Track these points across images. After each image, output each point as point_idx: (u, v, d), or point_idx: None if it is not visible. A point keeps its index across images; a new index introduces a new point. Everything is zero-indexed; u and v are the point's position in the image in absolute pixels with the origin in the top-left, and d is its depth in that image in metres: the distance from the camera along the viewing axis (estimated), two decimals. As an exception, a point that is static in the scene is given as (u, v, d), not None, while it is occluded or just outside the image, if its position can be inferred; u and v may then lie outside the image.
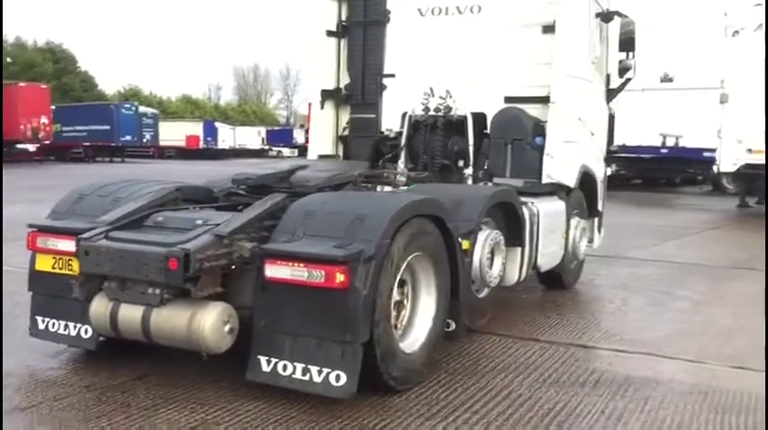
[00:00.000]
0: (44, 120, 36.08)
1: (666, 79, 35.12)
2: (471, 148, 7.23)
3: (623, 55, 8.21)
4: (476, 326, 5.77)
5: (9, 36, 57.30)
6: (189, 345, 4.14)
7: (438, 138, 7.35)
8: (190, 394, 4.34)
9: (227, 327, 4.11)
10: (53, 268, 4.84)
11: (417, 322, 4.76)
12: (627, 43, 8.13)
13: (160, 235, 4.34)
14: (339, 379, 4.01)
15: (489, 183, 7.04)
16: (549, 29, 7.00)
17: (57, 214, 5.10)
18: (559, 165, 6.94)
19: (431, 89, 7.37)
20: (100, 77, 66.09)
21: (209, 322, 4.04)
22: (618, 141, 24.12)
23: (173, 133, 53.32)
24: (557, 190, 7.20)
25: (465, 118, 7.24)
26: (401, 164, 7.56)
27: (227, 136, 58.37)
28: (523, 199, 6.53)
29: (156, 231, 4.48)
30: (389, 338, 4.28)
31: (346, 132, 8.02)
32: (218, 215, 4.63)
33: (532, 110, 7.07)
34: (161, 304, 4.13)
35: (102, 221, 4.57)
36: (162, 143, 50.97)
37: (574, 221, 7.63)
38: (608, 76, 8.35)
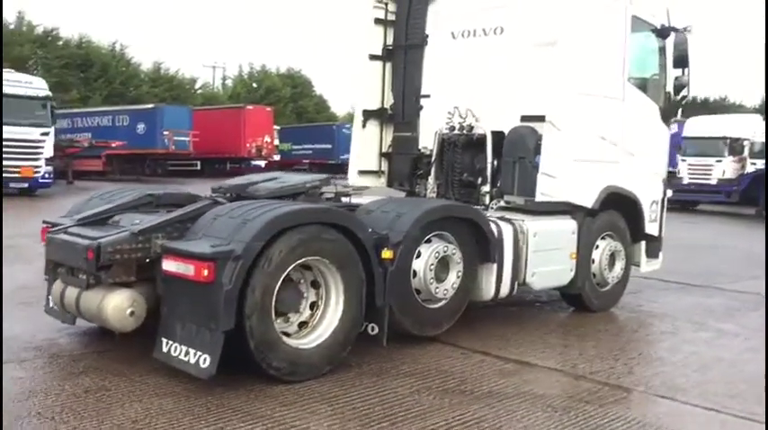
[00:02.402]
0: (267, 138, 39.86)
1: None
2: (489, 166, 7.39)
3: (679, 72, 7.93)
4: (427, 335, 6.00)
5: (256, 64, 63.61)
6: (101, 323, 4.96)
7: (460, 155, 7.60)
8: (114, 367, 5.10)
9: (128, 311, 4.84)
10: (56, 257, 5.89)
11: (325, 321, 5.18)
12: (681, 60, 7.80)
13: (99, 231, 5.17)
14: (205, 361, 4.58)
15: (501, 202, 7.18)
16: None
17: (70, 212, 6.15)
18: (564, 185, 6.86)
19: (456, 108, 7.65)
20: (332, 100, 70.71)
21: (112, 304, 4.81)
22: None
23: (391, 152, 55.83)
24: (572, 209, 7.13)
25: (485, 136, 7.42)
26: (431, 180, 7.92)
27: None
28: (509, 216, 6.63)
29: (104, 228, 5.33)
30: (267, 330, 4.75)
31: (390, 150, 8.50)
32: (159, 217, 5.39)
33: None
34: (87, 288, 4.98)
35: (74, 219, 5.54)
36: (378, 161, 53.65)
37: (602, 243, 7.47)
38: (668, 94, 8.09)
